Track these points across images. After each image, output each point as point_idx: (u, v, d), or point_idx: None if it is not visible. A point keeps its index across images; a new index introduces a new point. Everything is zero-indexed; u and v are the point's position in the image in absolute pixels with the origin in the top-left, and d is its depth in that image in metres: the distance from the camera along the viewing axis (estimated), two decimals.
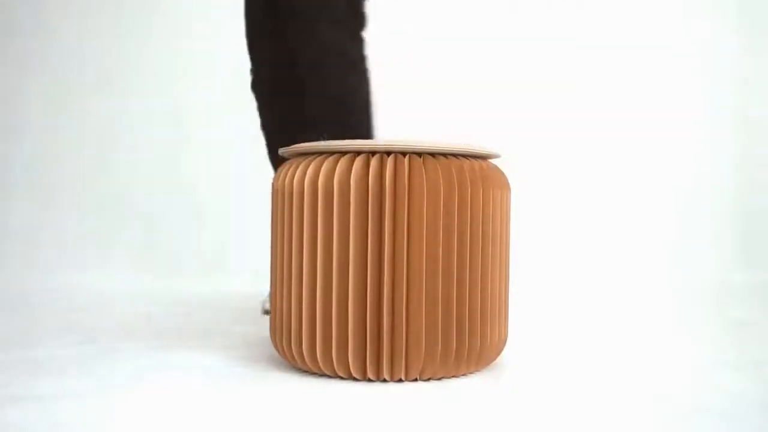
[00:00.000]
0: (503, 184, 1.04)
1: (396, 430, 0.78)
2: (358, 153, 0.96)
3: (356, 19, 1.42)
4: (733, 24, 2.35)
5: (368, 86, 1.39)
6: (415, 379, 0.96)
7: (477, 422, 0.81)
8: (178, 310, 1.65)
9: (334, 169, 0.95)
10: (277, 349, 1.04)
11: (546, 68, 2.39)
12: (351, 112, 1.36)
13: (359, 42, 1.41)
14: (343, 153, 0.96)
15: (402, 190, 0.93)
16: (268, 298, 1.21)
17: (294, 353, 0.99)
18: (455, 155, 0.98)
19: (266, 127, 1.61)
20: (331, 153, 0.97)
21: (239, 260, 2.29)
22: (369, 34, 1.41)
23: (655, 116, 2.36)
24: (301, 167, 0.98)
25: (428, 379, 0.97)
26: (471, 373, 1.02)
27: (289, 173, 0.99)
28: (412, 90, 2.37)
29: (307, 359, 0.97)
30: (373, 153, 0.95)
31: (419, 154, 0.95)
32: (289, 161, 1.03)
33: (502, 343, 1.06)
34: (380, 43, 2.44)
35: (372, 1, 1.44)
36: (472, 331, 0.97)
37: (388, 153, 0.95)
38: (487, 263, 0.99)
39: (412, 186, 0.93)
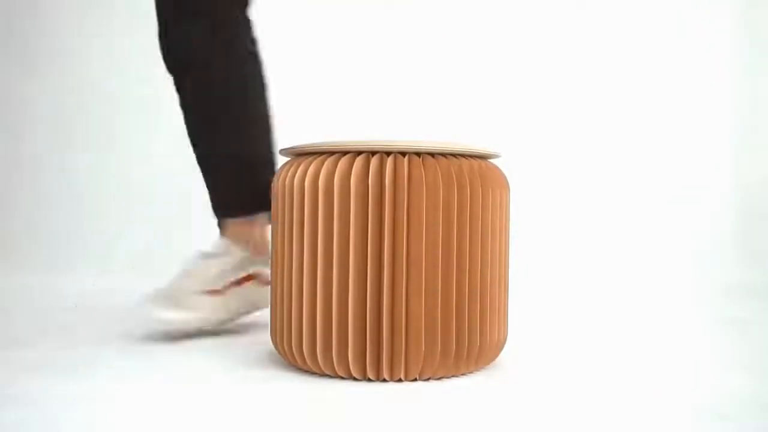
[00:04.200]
0: (503, 184, 1.04)
1: (396, 430, 0.79)
2: (358, 153, 0.96)
3: None
4: (735, 24, 2.35)
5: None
6: (415, 379, 0.96)
7: (477, 422, 0.81)
8: None
9: (335, 169, 0.95)
10: (277, 349, 1.04)
11: (546, 68, 2.39)
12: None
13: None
14: (343, 153, 0.97)
15: (402, 190, 0.93)
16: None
17: (294, 353, 0.99)
18: (455, 155, 0.98)
19: None
20: (331, 153, 0.97)
21: None
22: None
23: (655, 116, 2.36)
24: (301, 167, 0.98)
25: (428, 379, 0.97)
26: (471, 372, 1.02)
27: (290, 173, 0.99)
28: (412, 90, 2.37)
29: (307, 359, 0.98)
30: (373, 153, 0.95)
31: (419, 154, 0.96)
32: (290, 161, 1.03)
33: (502, 342, 1.06)
34: (379, 42, 2.44)
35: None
36: (471, 331, 0.98)
37: (388, 153, 0.95)
38: (487, 263, 0.99)
39: (412, 186, 0.93)
